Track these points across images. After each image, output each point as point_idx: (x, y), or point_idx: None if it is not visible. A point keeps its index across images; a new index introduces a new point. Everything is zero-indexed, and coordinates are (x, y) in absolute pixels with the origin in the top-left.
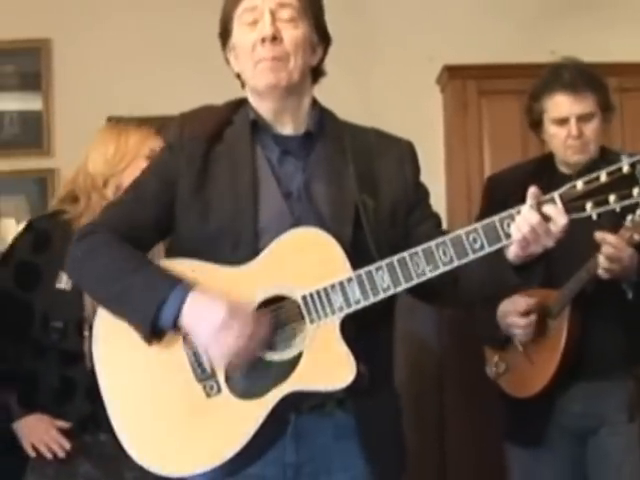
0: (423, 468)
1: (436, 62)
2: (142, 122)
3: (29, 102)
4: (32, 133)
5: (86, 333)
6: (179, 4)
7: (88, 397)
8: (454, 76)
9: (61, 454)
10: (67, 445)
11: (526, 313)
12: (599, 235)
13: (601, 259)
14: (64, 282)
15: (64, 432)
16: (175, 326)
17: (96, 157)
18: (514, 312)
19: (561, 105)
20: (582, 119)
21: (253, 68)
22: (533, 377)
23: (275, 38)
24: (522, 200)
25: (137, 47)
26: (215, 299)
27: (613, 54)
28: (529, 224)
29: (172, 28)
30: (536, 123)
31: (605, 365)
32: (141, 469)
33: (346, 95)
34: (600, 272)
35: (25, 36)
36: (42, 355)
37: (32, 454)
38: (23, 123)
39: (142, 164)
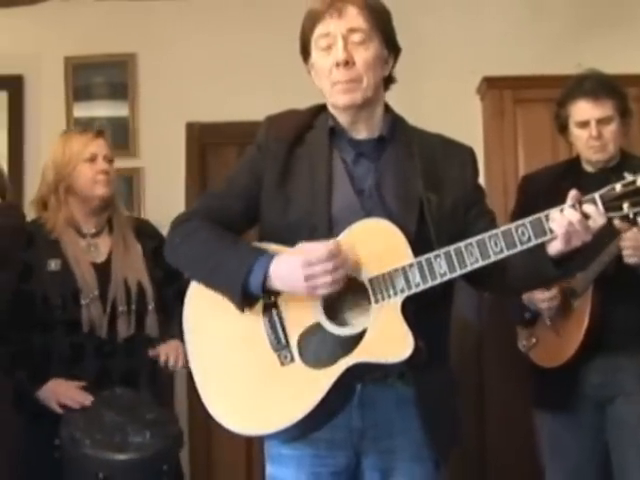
0: (464, 430)
1: (476, 74)
2: (85, 129)
3: (117, 109)
4: (120, 137)
5: (83, 302)
6: (250, 24)
7: (97, 356)
8: (492, 86)
9: (88, 402)
10: (89, 397)
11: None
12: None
13: (624, 251)
14: (53, 266)
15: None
16: (264, 290)
17: (48, 165)
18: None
19: (583, 110)
20: (601, 122)
21: (330, 88)
22: (560, 349)
23: (347, 63)
24: (552, 196)
25: (212, 61)
26: (290, 254)
27: (632, 66)
28: (570, 221)
29: (243, 44)
30: (563, 127)
31: (623, 341)
32: (159, 411)
33: (396, 104)
34: (625, 259)
35: (114, 51)
36: (50, 330)
37: (59, 410)
38: (112, 128)
39: (85, 167)
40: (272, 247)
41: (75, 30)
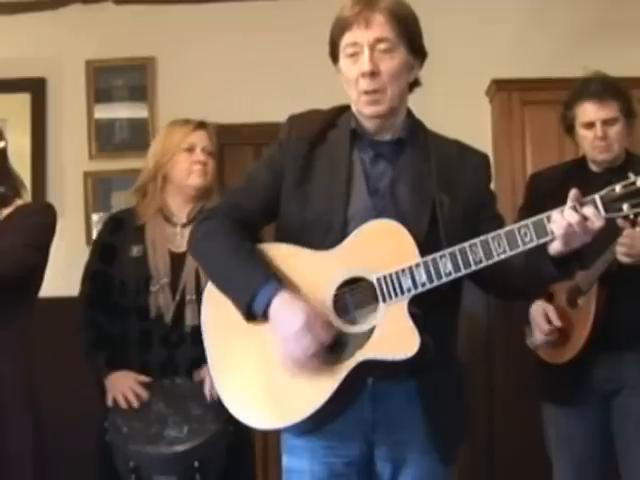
0: (473, 426)
1: (485, 77)
2: (189, 120)
3: (136, 111)
4: (139, 137)
5: (152, 288)
6: (267, 27)
7: (164, 345)
8: (501, 89)
9: (135, 404)
10: (143, 395)
11: (549, 322)
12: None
13: (618, 247)
14: (135, 252)
15: (145, 383)
16: (265, 314)
17: (150, 154)
18: (542, 317)
19: (588, 112)
20: (606, 123)
21: (357, 97)
22: (566, 346)
23: (373, 73)
24: (559, 195)
25: (229, 63)
26: (298, 305)
27: (638, 69)
28: (569, 223)
29: (260, 47)
30: (569, 128)
31: (628, 336)
32: (205, 407)
33: (409, 105)
34: (619, 257)
35: (133, 54)
36: (124, 316)
37: (109, 404)
38: (131, 129)
39: (182, 157)
40: (286, 250)
41: (96, 34)
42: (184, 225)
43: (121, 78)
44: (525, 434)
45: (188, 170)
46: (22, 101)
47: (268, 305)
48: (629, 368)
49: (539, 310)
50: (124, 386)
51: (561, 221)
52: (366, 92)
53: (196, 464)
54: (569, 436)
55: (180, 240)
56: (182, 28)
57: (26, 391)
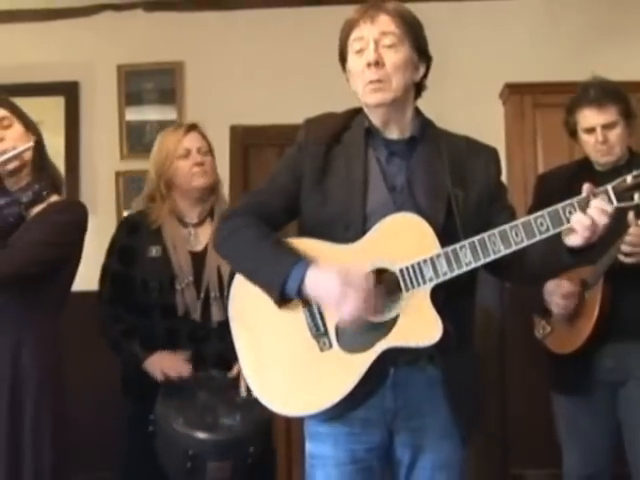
0: (486, 417)
1: (499, 80)
2: (179, 125)
3: (166, 113)
4: None
5: (178, 287)
6: (290, 33)
7: (190, 340)
8: (513, 92)
9: (186, 373)
10: (189, 368)
11: (567, 296)
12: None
13: (623, 246)
14: (154, 252)
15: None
16: (299, 294)
17: (150, 163)
18: (558, 294)
19: (588, 117)
20: (606, 127)
21: (363, 88)
22: (572, 337)
23: (378, 63)
24: (566, 194)
25: (255, 68)
26: (328, 272)
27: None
28: (592, 222)
29: (283, 52)
30: (572, 132)
31: (632, 328)
32: (248, 394)
33: (425, 108)
34: (621, 257)
35: (163, 59)
36: (148, 313)
37: (161, 378)
38: (161, 130)
39: (180, 163)
40: (310, 243)
41: (127, 40)
42: (195, 225)
43: (151, 82)
44: (538, 421)
45: (189, 173)
46: (56, 104)
47: (302, 283)
48: (634, 359)
49: (554, 282)
50: (170, 363)
51: (583, 219)
52: (371, 81)
53: (251, 449)
54: (578, 425)
55: (194, 240)
56: (209, 34)
57: (48, 389)
